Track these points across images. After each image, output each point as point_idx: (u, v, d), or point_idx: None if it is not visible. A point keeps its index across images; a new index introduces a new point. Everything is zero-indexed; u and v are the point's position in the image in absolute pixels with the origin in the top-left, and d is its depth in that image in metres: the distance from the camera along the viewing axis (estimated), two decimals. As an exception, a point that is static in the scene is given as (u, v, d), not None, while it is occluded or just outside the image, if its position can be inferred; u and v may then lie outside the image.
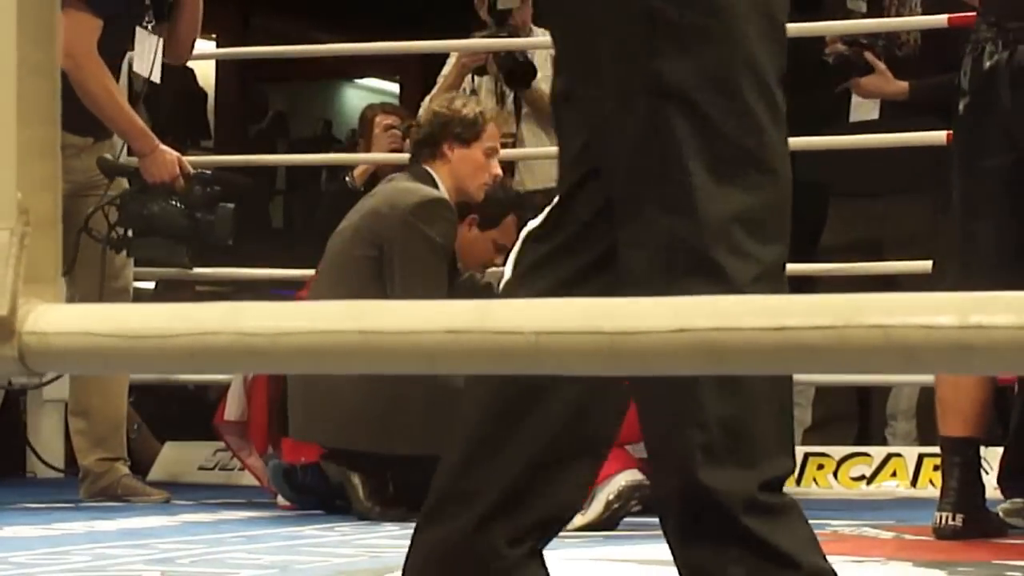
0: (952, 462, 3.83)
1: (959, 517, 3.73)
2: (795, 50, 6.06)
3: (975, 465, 3.85)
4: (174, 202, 4.79)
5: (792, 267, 5.78)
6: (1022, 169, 3.73)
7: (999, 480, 4.51)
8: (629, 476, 4.11)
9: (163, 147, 4.79)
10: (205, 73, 8.97)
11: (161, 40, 4.93)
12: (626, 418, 4.20)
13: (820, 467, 5.45)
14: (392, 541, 3.81)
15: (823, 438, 5.72)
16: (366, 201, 4.78)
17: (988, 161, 3.75)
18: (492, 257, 5.17)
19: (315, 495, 4.64)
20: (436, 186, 4.71)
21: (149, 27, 4.90)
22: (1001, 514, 4.06)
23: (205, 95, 9.11)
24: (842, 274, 5.32)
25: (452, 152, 4.76)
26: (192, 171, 4.87)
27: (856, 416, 5.87)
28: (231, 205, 4.89)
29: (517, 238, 4.98)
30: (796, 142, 5.71)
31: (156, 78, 4.95)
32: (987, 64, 3.72)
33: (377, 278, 4.53)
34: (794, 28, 5.37)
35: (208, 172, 5.02)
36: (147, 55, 4.89)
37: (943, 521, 3.75)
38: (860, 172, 5.50)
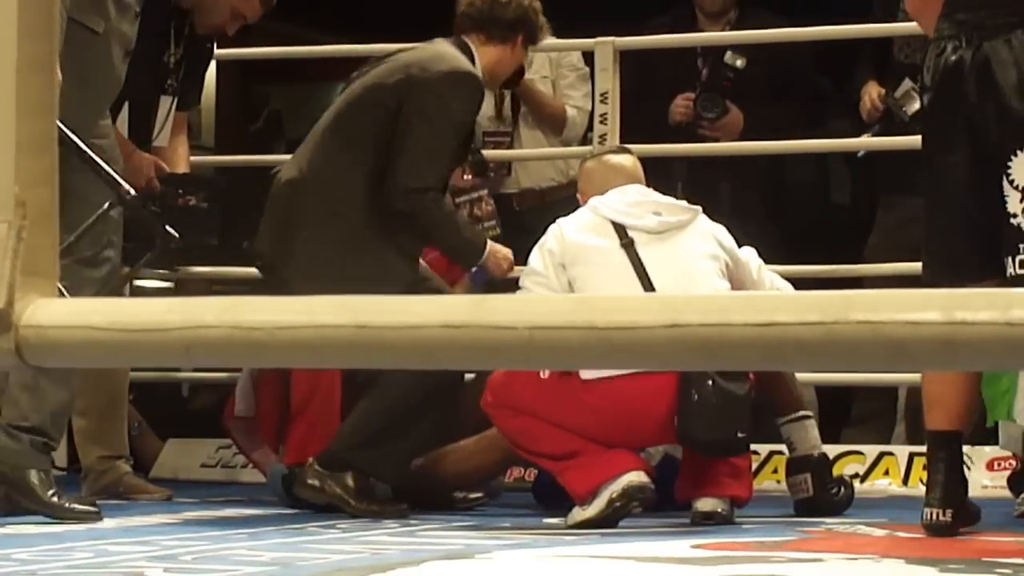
0: (938, 456, 3.83)
1: (948, 512, 3.73)
2: (807, 51, 6.06)
3: (959, 459, 3.85)
4: (151, 207, 4.78)
5: (838, 268, 5.77)
6: (980, 165, 3.74)
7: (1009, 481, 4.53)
8: (634, 477, 4.12)
9: (138, 152, 4.80)
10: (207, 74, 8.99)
11: (174, 102, 4.96)
12: (640, 424, 4.23)
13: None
14: (393, 538, 3.83)
15: (859, 435, 5.74)
16: (400, 56, 4.70)
17: (950, 157, 3.77)
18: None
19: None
20: (473, 62, 4.69)
21: (170, 89, 4.92)
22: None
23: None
24: (889, 274, 5.31)
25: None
26: (168, 173, 4.87)
27: (892, 414, 5.89)
28: (205, 205, 4.89)
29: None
30: (833, 143, 5.79)
31: (162, 142, 4.97)
32: (951, 59, 3.74)
33: (386, 131, 4.50)
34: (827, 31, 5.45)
35: (183, 174, 5.01)
36: (161, 119, 4.92)
37: (934, 517, 3.75)
38: (908, 172, 5.49)
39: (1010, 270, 3.69)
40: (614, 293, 4.13)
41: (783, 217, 6.15)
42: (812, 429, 4.57)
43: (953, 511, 3.73)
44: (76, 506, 4.15)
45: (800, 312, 1.16)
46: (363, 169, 4.52)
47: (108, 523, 4.11)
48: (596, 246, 4.32)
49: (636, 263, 4.28)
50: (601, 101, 5.49)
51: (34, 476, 4.12)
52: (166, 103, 4.94)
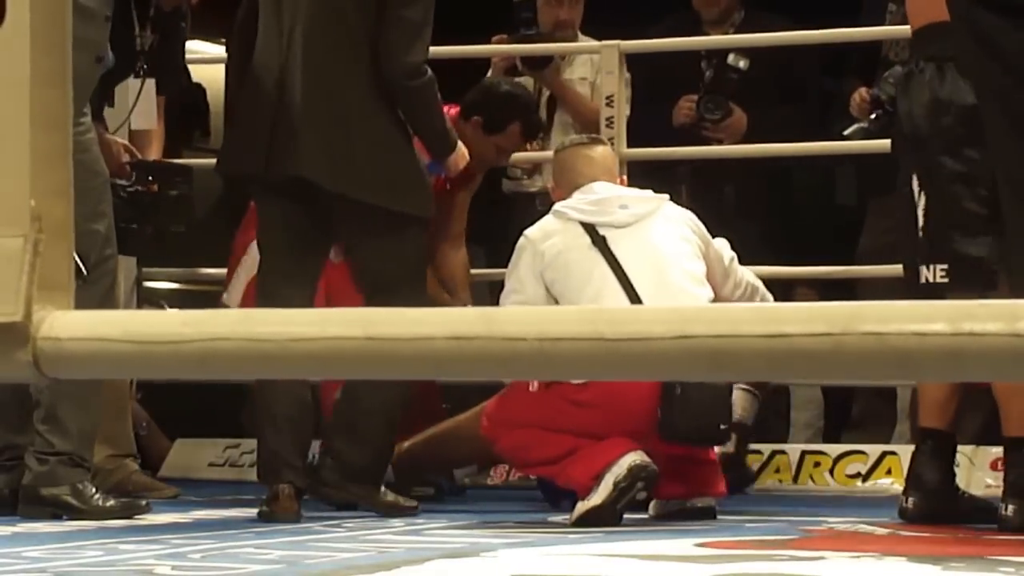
0: (920, 449, 4.01)
1: (910, 500, 3.98)
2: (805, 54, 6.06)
3: (947, 453, 4.04)
4: (120, 192, 4.76)
5: (844, 269, 5.79)
6: None
7: None
8: (634, 457, 4.15)
9: (107, 136, 4.78)
10: (214, 77, 8.97)
11: (149, 84, 4.91)
12: (632, 416, 4.26)
13: (816, 464, 5.48)
14: (399, 537, 3.84)
15: (860, 436, 5.76)
16: None
17: None
18: (493, 160, 5.23)
19: None
20: None
21: (141, 71, 4.89)
22: None
23: (204, 90, 9.10)
24: (880, 276, 5.32)
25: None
26: (139, 160, 4.85)
27: (894, 416, 5.92)
28: (175, 192, 4.87)
29: (521, 146, 5.04)
30: (837, 145, 5.79)
31: (135, 125, 4.95)
32: None
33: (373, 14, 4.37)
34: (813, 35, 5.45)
35: (154, 162, 5.00)
36: (130, 102, 4.90)
37: (899, 502, 3.99)
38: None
39: None
40: (592, 293, 4.23)
41: (788, 218, 6.15)
42: (750, 400, 4.73)
43: (916, 499, 3.92)
44: (118, 502, 4.30)
45: (808, 323, 1.17)
46: (365, 64, 4.38)
47: (117, 522, 4.14)
48: (569, 250, 4.33)
49: (610, 259, 4.31)
50: (607, 104, 5.50)
51: (69, 491, 4.23)
52: (135, 86, 4.90)
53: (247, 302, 5.29)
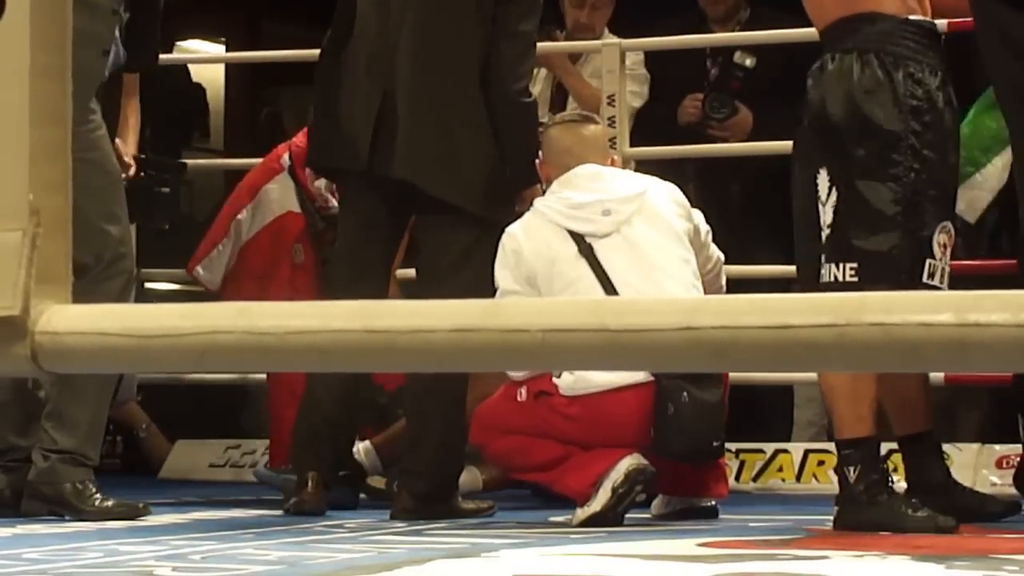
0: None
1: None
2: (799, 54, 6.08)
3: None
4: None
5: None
6: None
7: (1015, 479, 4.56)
8: (632, 461, 4.14)
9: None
10: (214, 77, 8.97)
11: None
12: (622, 430, 4.27)
13: (821, 463, 5.47)
14: (400, 538, 3.84)
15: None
16: None
17: None
18: None
19: (347, 481, 4.67)
20: None
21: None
22: None
23: (203, 90, 9.08)
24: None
25: None
26: (143, 158, 4.81)
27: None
28: (167, 190, 4.85)
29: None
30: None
31: None
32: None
33: (484, 26, 4.36)
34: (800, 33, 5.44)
35: (157, 159, 4.98)
36: None
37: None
38: None
39: None
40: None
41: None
42: None
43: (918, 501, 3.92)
44: (117, 505, 4.27)
45: (813, 314, 1.16)
46: (476, 71, 4.39)
47: (118, 523, 4.14)
48: (555, 261, 4.29)
49: (598, 271, 4.26)
50: (608, 104, 5.48)
51: (69, 490, 4.23)
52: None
53: (228, 284, 5.29)
